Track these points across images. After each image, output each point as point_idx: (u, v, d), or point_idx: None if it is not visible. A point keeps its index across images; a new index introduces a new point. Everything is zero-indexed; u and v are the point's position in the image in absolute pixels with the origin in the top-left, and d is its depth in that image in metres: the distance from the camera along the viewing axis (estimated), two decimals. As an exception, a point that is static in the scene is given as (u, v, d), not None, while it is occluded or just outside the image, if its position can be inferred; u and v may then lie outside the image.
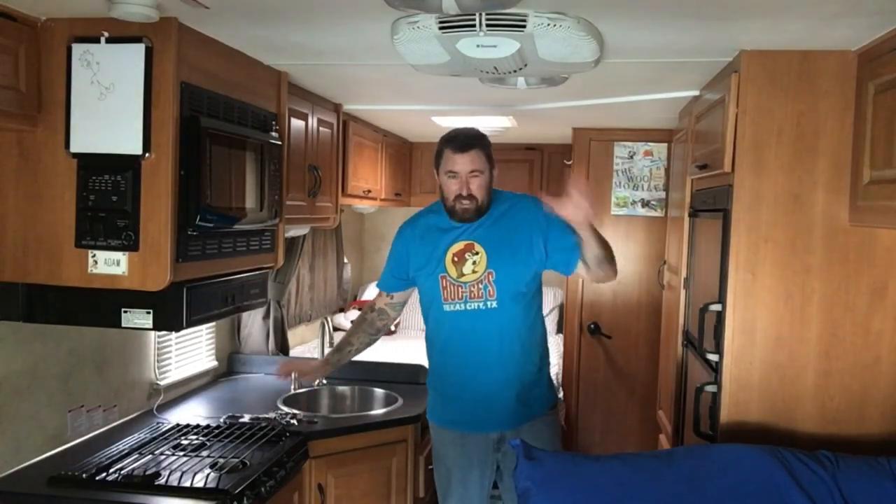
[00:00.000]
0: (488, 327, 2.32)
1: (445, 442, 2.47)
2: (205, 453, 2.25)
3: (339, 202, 3.40)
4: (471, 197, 2.29)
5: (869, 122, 1.99)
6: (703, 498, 1.86)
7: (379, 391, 3.16)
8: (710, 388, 2.32)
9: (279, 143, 2.55)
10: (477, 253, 2.32)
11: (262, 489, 2.11)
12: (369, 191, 3.89)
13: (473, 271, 2.31)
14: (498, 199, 2.40)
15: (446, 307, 2.35)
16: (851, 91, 2.10)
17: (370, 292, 5.30)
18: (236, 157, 2.24)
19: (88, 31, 1.94)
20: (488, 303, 2.31)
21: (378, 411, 2.94)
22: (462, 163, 2.26)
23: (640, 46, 2.16)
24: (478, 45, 1.97)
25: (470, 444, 2.40)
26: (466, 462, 2.41)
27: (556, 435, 2.49)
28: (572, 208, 2.04)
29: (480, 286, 2.31)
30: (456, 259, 2.33)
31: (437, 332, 2.43)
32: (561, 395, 4.28)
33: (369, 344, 2.67)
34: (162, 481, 2.02)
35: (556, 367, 4.29)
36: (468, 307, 2.32)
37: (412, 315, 5.15)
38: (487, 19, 1.82)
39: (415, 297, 2.58)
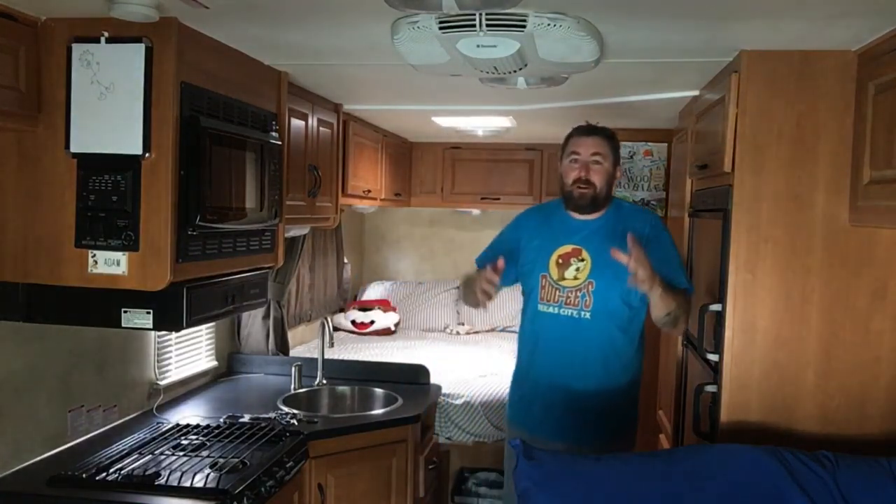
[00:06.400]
0: (576, 337, 2.28)
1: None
2: (205, 453, 2.25)
3: (339, 202, 3.40)
4: (589, 183, 2.27)
5: (869, 122, 1.99)
6: (703, 498, 1.86)
7: (379, 391, 3.16)
8: (710, 388, 2.32)
9: (279, 143, 2.55)
10: (583, 260, 2.29)
11: (262, 489, 2.11)
12: (369, 191, 3.89)
13: (575, 277, 2.28)
14: (617, 208, 2.37)
15: (541, 307, 2.33)
16: (851, 91, 2.10)
17: (370, 292, 5.31)
18: (236, 157, 2.24)
19: (88, 31, 1.94)
20: (582, 313, 2.28)
21: (378, 411, 2.94)
22: (585, 146, 2.28)
23: (640, 46, 2.16)
24: (478, 45, 1.97)
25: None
26: None
27: None
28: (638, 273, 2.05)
29: (578, 294, 2.28)
30: (561, 261, 2.30)
31: (528, 329, 2.41)
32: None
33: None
34: (162, 481, 2.02)
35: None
36: (561, 312, 2.29)
37: (412, 315, 5.16)
38: (487, 19, 1.82)
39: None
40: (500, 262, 2.16)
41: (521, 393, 2.46)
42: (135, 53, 1.92)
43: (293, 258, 3.61)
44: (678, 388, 3.02)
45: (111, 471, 2.07)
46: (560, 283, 2.30)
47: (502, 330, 4.99)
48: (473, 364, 4.06)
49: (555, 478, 1.90)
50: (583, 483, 1.90)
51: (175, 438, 2.38)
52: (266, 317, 3.51)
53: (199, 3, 1.81)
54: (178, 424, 2.52)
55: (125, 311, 2.04)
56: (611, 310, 2.29)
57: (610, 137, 2.33)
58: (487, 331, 5.03)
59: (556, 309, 2.31)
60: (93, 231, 1.96)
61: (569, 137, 2.36)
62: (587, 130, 2.32)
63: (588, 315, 2.27)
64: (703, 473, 1.90)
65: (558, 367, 2.32)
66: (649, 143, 4.08)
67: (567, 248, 2.32)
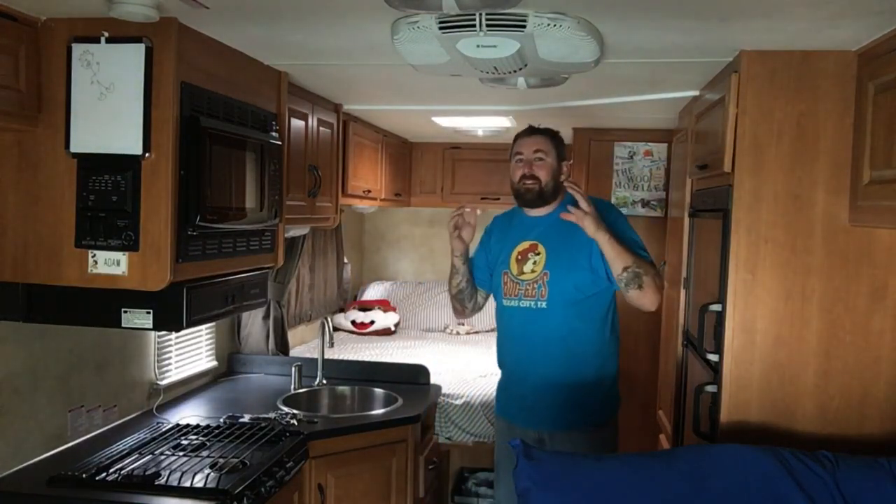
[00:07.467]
0: (536, 327, 2.37)
1: (499, 429, 2.58)
2: (205, 453, 2.25)
3: (339, 202, 3.40)
4: (533, 177, 2.36)
5: (869, 122, 1.99)
6: (703, 498, 1.86)
7: (379, 391, 3.16)
8: (710, 388, 2.32)
9: (279, 143, 2.55)
10: (539, 253, 2.39)
11: (262, 489, 2.11)
12: (369, 191, 3.89)
13: (532, 270, 2.38)
14: (570, 200, 2.38)
15: (505, 302, 2.44)
16: (851, 91, 2.10)
17: (370, 292, 5.31)
18: (236, 157, 2.24)
19: (88, 31, 1.94)
20: (539, 303, 2.36)
21: (378, 411, 2.94)
22: (527, 145, 2.40)
23: (640, 46, 2.16)
24: (478, 45, 1.97)
25: (515, 436, 2.40)
26: (509, 452, 2.42)
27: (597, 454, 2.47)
28: (578, 213, 2.20)
29: (535, 285, 2.37)
30: (520, 257, 2.41)
31: (498, 325, 2.56)
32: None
33: (468, 298, 2.58)
34: (162, 481, 2.02)
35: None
36: (521, 304, 2.39)
37: (412, 315, 5.16)
38: (487, 19, 1.82)
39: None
40: (473, 215, 2.44)
41: (502, 385, 2.58)
42: (135, 53, 1.92)
43: (293, 258, 3.61)
44: (678, 388, 3.02)
45: (111, 471, 2.07)
46: (519, 277, 2.40)
47: (502, 330, 4.99)
48: (473, 364, 4.06)
49: (555, 478, 1.90)
50: (583, 483, 1.90)
51: (175, 438, 2.38)
52: (266, 317, 3.51)
53: (199, 3, 1.81)
54: (178, 424, 2.52)
55: (125, 311, 2.04)
56: (566, 298, 2.34)
57: (552, 136, 2.43)
58: (487, 331, 5.03)
59: (516, 302, 2.40)
60: (93, 231, 1.96)
61: (513, 142, 2.46)
62: (529, 132, 2.44)
63: (545, 304, 2.35)
64: (703, 473, 1.90)
65: (524, 356, 2.42)
66: (649, 143, 4.08)
67: (525, 245, 2.42)
